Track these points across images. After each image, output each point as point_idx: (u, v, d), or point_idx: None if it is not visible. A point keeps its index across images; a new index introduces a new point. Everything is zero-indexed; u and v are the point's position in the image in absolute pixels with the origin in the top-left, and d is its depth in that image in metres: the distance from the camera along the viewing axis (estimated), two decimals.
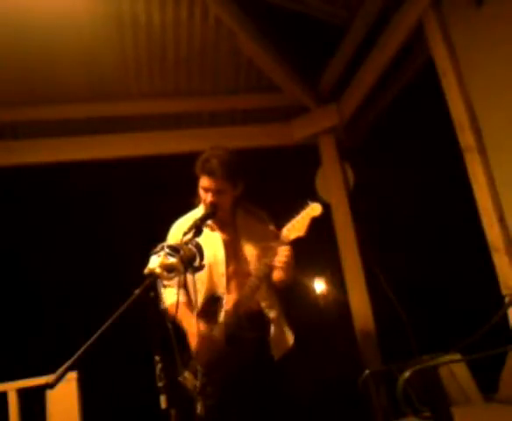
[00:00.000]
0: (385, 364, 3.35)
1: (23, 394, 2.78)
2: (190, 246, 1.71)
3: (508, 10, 2.26)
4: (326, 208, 3.83)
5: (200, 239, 2.16)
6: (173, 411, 1.66)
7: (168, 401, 1.40)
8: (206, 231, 2.20)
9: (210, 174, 2.12)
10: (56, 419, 2.75)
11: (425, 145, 3.57)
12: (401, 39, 2.96)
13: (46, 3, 2.89)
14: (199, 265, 1.72)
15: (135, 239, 3.52)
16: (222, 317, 2.08)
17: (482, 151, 2.45)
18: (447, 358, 2.29)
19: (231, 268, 2.18)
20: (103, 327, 1.33)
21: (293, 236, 2.02)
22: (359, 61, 3.43)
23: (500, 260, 2.37)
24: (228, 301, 2.10)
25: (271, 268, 2.03)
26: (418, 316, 3.48)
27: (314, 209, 2.04)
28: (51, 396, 2.75)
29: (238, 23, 3.28)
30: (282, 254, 2.00)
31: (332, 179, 3.82)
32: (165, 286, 2.13)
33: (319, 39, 3.37)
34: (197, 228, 1.90)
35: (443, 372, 2.37)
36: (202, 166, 2.14)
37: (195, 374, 2.00)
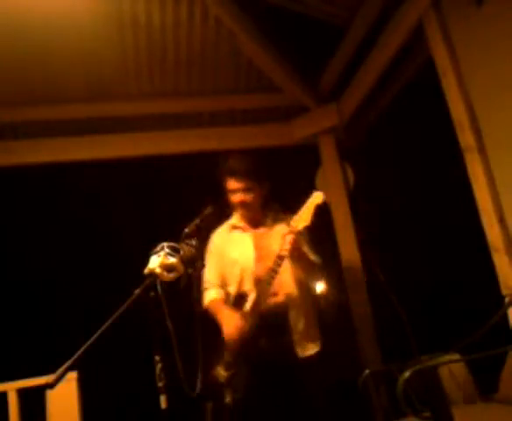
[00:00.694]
0: (385, 364, 3.35)
1: (23, 394, 2.78)
2: (190, 246, 1.72)
3: (509, 9, 2.26)
4: (326, 208, 3.85)
5: (231, 239, 2.36)
6: (209, 405, 1.76)
7: (203, 395, 1.47)
8: (238, 232, 2.45)
9: (234, 174, 2.28)
10: (56, 419, 2.75)
11: (425, 145, 3.57)
12: (401, 39, 2.96)
13: (45, 3, 2.89)
14: (199, 265, 1.72)
15: (135, 238, 3.52)
16: (248, 313, 2.20)
17: (482, 151, 2.45)
18: (447, 358, 2.29)
19: (260, 267, 2.28)
20: (103, 327, 1.34)
21: (300, 226, 2.13)
22: (359, 61, 3.43)
23: (500, 260, 2.37)
24: (253, 298, 2.22)
25: (282, 258, 2.13)
26: (418, 316, 3.48)
27: (316, 197, 2.16)
28: (51, 396, 2.75)
29: (238, 23, 3.28)
30: (287, 242, 2.11)
31: (332, 179, 3.82)
32: (205, 288, 2.31)
33: (319, 39, 3.37)
34: (197, 228, 1.91)
35: (443, 372, 2.37)
36: (225, 169, 2.29)
37: (225, 367, 2.10)
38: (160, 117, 3.83)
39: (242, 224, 2.46)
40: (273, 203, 2.48)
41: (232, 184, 2.30)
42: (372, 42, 3.24)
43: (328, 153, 3.88)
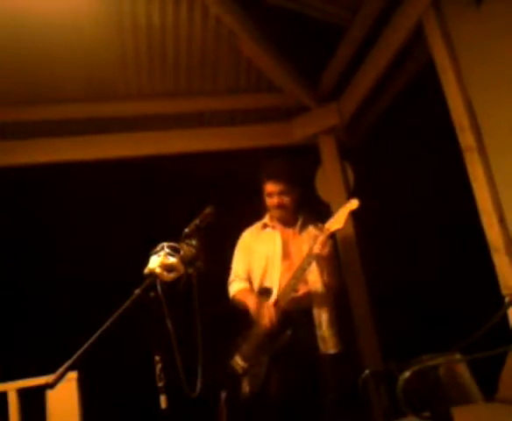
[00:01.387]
0: (385, 364, 3.34)
1: (23, 394, 2.78)
2: (190, 246, 1.71)
3: (508, 8, 2.26)
4: (326, 208, 3.85)
5: (261, 236, 2.50)
6: (223, 394, 1.80)
7: (218, 384, 1.53)
8: (268, 229, 2.63)
9: (273, 177, 2.46)
10: (56, 419, 2.75)
11: (425, 144, 3.57)
12: (401, 39, 2.96)
13: (45, 3, 2.89)
14: (200, 265, 1.72)
15: (135, 238, 3.52)
16: (272, 306, 2.30)
17: (482, 151, 2.45)
18: (447, 358, 2.29)
19: (285, 264, 2.41)
20: (103, 327, 1.34)
21: (333, 228, 2.29)
22: (359, 61, 3.43)
23: (500, 260, 2.37)
24: (276, 293, 2.35)
25: (312, 256, 2.20)
26: (418, 315, 3.49)
27: (352, 203, 2.33)
28: (51, 395, 2.75)
29: (238, 23, 3.28)
30: (318, 241, 2.24)
31: (332, 179, 3.82)
32: (232, 280, 2.58)
33: (319, 39, 3.37)
34: (198, 228, 1.91)
35: (443, 372, 2.36)
36: (265, 173, 2.44)
37: (243, 358, 2.16)
38: (160, 117, 3.83)
39: (273, 223, 2.61)
40: (304, 207, 2.65)
41: (270, 187, 2.47)
42: (372, 42, 3.24)
43: (328, 152, 3.88)
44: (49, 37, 3.05)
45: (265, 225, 2.64)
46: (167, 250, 1.60)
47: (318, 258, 2.28)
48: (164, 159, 3.79)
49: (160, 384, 1.39)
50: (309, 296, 2.37)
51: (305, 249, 2.35)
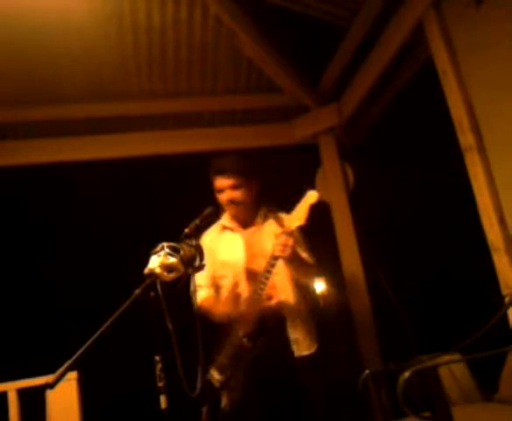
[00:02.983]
0: (385, 364, 3.35)
1: (23, 394, 2.78)
2: (190, 246, 1.71)
3: (508, 9, 2.26)
4: (326, 208, 3.85)
5: (222, 240, 2.28)
6: (204, 409, 1.71)
7: (199, 399, 1.44)
8: (228, 232, 2.36)
9: (221, 172, 2.22)
10: (56, 419, 2.75)
11: (425, 144, 3.57)
12: (401, 39, 2.96)
13: (46, 3, 2.89)
14: (199, 265, 1.72)
15: (135, 238, 3.52)
16: (241, 314, 2.14)
17: (482, 151, 2.45)
18: (447, 358, 2.29)
19: (251, 268, 2.23)
20: (103, 327, 1.34)
21: (294, 225, 2.07)
22: (359, 61, 3.43)
23: (500, 260, 2.37)
24: (246, 300, 2.16)
25: (275, 258, 2.07)
26: (418, 315, 3.49)
27: (310, 196, 2.08)
28: (51, 395, 2.75)
29: (238, 23, 3.27)
30: (279, 242, 2.04)
31: (332, 179, 3.82)
32: (196, 290, 2.24)
33: (319, 39, 3.37)
34: (197, 228, 1.91)
35: (443, 372, 2.37)
36: (213, 168, 2.24)
37: (219, 370, 2.06)
38: (160, 117, 3.83)
39: (232, 224, 2.39)
40: (266, 201, 2.41)
41: (219, 182, 2.25)
42: (372, 42, 3.24)
43: (328, 153, 3.88)
44: (49, 37, 3.05)
45: (224, 227, 2.43)
46: (166, 250, 1.60)
47: (283, 259, 2.11)
48: (164, 159, 3.79)
49: (160, 384, 1.39)
50: (281, 300, 2.24)
51: (269, 248, 2.16)
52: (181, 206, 2.36)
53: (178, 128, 3.88)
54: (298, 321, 2.25)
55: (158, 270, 1.52)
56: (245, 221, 2.37)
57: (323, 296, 4.34)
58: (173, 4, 3.10)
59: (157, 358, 1.40)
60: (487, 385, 2.58)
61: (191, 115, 3.91)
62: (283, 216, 2.22)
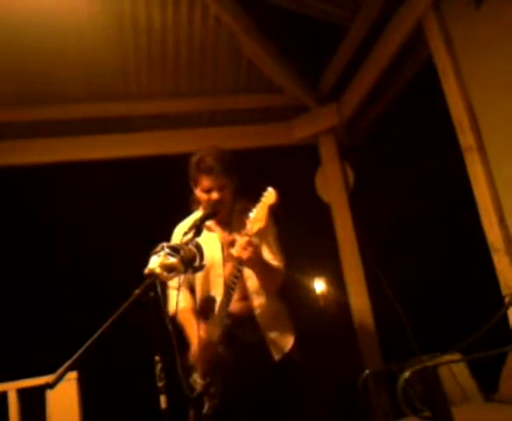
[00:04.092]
0: (385, 364, 3.35)
1: (23, 394, 2.78)
2: (190, 246, 1.71)
3: (507, 8, 2.26)
4: (326, 208, 3.85)
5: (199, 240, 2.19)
6: (191, 412, 1.67)
7: (187, 402, 1.40)
8: (204, 232, 2.20)
9: (209, 171, 2.10)
10: (56, 419, 2.75)
11: (425, 144, 3.57)
12: (401, 39, 2.96)
13: (46, 3, 2.89)
14: (199, 265, 1.72)
15: (134, 238, 3.52)
16: (215, 318, 2.08)
17: (482, 151, 2.45)
18: (447, 358, 2.29)
19: (228, 269, 2.15)
20: (103, 327, 1.33)
21: (255, 228, 1.97)
22: (359, 61, 3.43)
23: (500, 260, 2.37)
24: (220, 303, 2.09)
25: (240, 263, 1.97)
26: (418, 316, 3.48)
27: (269, 197, 1.98)
28: (51, 395, 2.75)
29: (238, 23, 3.28)
30: (238, 246, 1.95)
31: (332, 179, 3.82)
32: (171, 291, 2.17)
33: (319, 39, 3.37)
34: (197, 228, 1.90)
35: (443, 372, 2.37)
36: (198, 167, 2.12)
37: (201, 375, 2.03)
38: (160, 117, 3.83)
39: (209, 222, 2.23)
40: (241, 199, 2.26)
41: (206, 182, 2.11)
42: (372, 42, 3.24)
43: (328, 153, 3.88)
44: (49, 37, 3.05)
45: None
46: (166, 250, 1.60)
47: (245, 263, 2.00)
48: (164, 159, 3.79)
49: (160, 384, 1.39)
50: (252, 304, 2.18)
51: None
52: (181, 206, 2.35)
53: (178, 128, 3.88)
54: (273, 322, 2.18)
55: (158, 270, 1.52)
56: (222, 220, 2.26)
57: (323, 296, 4.34)
58: (173, 5, 3.10)
59: (157, 358, 1.40)
60: (487, 385, 2.58)
61: (191, 115, 3.91)
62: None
